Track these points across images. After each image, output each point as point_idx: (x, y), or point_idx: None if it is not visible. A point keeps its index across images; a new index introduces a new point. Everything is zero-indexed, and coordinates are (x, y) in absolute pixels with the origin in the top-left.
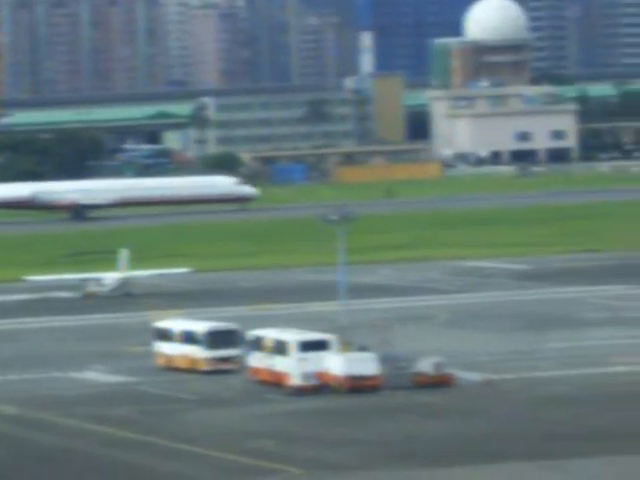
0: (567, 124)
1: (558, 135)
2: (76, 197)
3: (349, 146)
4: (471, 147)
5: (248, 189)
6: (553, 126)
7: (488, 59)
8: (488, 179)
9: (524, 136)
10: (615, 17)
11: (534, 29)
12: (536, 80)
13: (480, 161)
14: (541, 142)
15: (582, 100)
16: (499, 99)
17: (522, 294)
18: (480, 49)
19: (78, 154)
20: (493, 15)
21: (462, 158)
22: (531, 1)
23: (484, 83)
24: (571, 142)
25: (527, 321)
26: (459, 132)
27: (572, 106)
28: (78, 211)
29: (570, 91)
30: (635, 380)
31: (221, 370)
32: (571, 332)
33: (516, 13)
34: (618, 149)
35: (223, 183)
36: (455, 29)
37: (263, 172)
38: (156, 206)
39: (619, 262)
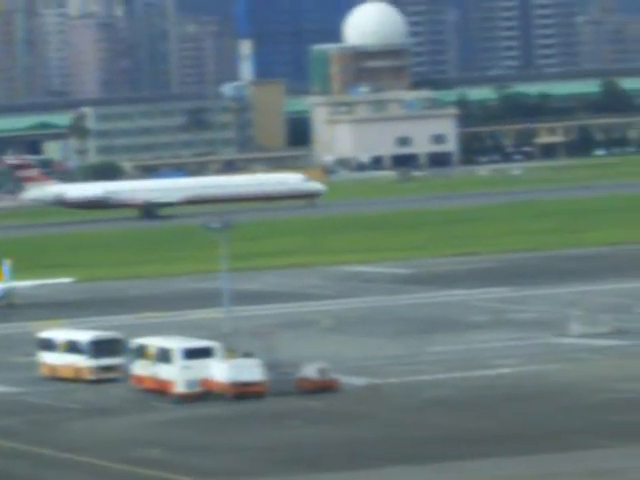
0: (447, 128)
1: (439, 139)
2: (149, 196)
3: (230, 153)
4: (352, 152)
5: (316, 185)
6: (433, 130)
7: (368, 64)
8: (370, 184)
9: (405, 141)
10: (493, 21)
11: (413, 34)
12: (416, 85)
13: (361, 166)
14: (422, 146)
15: (462, 104)
16: (379, 104)
17: (405, 298)
18: (359, 55)
19: None
20: (372, 20)
21: (343, 164)
22: (409, 6)
23: (364, 88)
24: (452, 146)
25: (410, 325)
26: (340, 138)
27: (452, 110)
28: (150, 209)
29: (450, 95)
30: (518, 382)
31: (105, 379)
32: (455, 335)
33: (395, 18)
34: (499, 152)
35: (292, 180)
36: (335, 35)
37: None
38: (226, 203)
39: (499, 265)
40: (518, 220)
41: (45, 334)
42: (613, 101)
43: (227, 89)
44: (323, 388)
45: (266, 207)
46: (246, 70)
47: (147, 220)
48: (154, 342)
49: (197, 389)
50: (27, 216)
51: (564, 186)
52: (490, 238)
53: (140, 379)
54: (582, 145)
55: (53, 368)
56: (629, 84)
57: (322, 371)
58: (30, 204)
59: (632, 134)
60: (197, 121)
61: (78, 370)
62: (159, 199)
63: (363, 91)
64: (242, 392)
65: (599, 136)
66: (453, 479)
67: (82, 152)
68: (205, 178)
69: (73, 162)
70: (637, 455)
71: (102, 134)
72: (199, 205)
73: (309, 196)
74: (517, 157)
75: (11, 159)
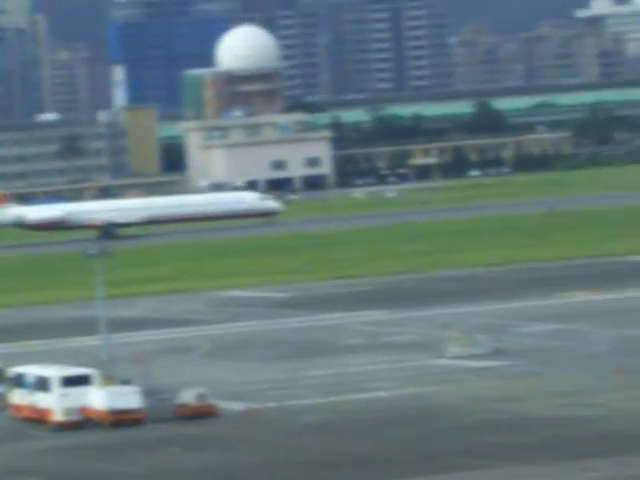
0: (322, 151)
1: (313, 162)
2: (108, 216)
3: (104, 180)
4: (227, 177)
5: (273, 203)
6: (308, 153)
7: (241, 88)
8: None
9: (279, 164)
10: (365, 43)
11: (286, 57)
12: (289, 108)
13: (236, 191)
14: (296, 170)
15: (336, 127)
16: (253, 128)
17: (283, 322)
18: (232, 79)
19: None
20: (244, 44)
21: (218, 188)
22: (282, 29)
23: (237, 113)
24: (326, 169)
25: (289, 349)
26: (214, 162)
27: (326, 133)
28: (108, 230)
29: (323, 118)
30: (396, 405)
31: None
32: (332, 359)
33: (267, 42)
34: (373, 174)
35: (249, 198)
36: (208, 60)
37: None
38: (184, 223)
39: (376, 287)
40: (394, 242)
41: None
42: (486, 122)
43: (101, 115)
44: (201, 414)
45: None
46: (119, 96)
47: (105, 241)
48: (31, 370)
49: (75, 417)
50: None
51: (439, 207)
52: (366, 261)
53: (18, 408)
54: (456, 166)
55: None
56: (502, 104)
57: (200, 397)
58: None
59: (506, 154)
60: (71, 148)
61: None
62: (118, 219)
63: (236, 115)
64: (120, 419)
65: (473, 157)
66: None
67: None
68: (164, 198)
69: None
70: (513, 475)
71: None
72: (158, 225)
73: (266, 214)
74: (392, 179)
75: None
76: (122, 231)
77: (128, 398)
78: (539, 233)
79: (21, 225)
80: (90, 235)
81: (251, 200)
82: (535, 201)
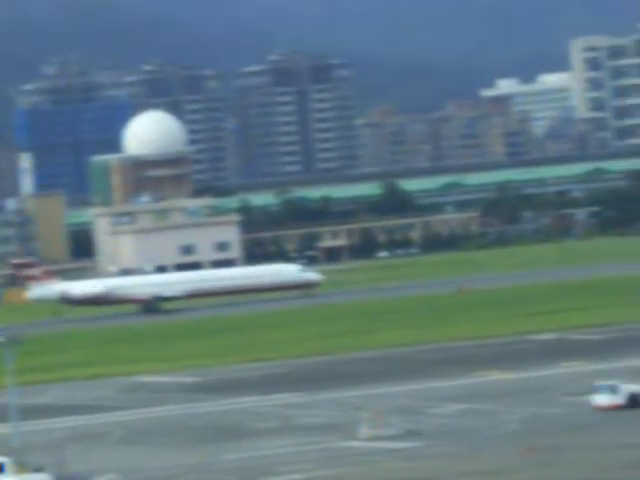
0: (231, 235)
1: (222, 246)
2: (153, 290)
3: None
4: (136, 263)
5: (313, 275)
6: (217, 238)
7: (149, 173)
8: None
9: (188, 249)
10: (271, 126)
11: (193, 142)
12: (198, 192)
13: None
14: (206, 254)
15: (244, 210)
16: (161, 213)
17: (195, 407)
18: (140, 164)
19: None
20: (151, 129)
21: (127, 274)
22: (188, 114)
23: (146, 198)
24: (236, 253)
25: (202, 434)
26: (123, 248)
27: (234, 217)
28: (152, 304)
29: (232, 202)
30: None
31: None
32: (245, 443)
33: (174, 126)
34: (282, 257)
35: (288, 270)
36: (115, 145)
37: None
38: (227, 295)
39: (289, 370)
40: (308, 324)
41: None
42: (394, 203)
43: (8, 202)
44: None
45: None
46: (27, 183)
47: (147, 315)
48: None
49: None
50: None
51: (351, 289)
52: (280, 343)
53: None
54: (365, 247)
55: None
56: (409, 185)
57: None
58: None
59: (414, 235)
60: None
61: None
62: (161, 293)
63: (145, 200)
64: None
65: (381, 238)
66: None
67: None
68: (206, 271)
69: None
70: None
71: None
72: (199, 298)
73: (306, 286)
74: (301, 261)
75: (16, 259)
76: (164, 305)
77: None
78: (449, 312)
79: (66, 300)
80: (131, 310)
81: (292, 272)
82: (444, 281)
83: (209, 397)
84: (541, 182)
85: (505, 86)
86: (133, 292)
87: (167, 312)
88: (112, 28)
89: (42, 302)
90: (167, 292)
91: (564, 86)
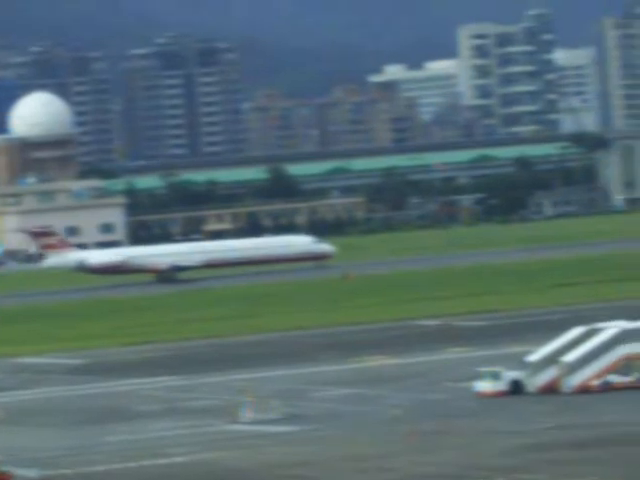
0: (116, 217)
1: (107, 229)
2: (170, 260)
3: None
4: (21, 244)
5: (327, 247)
6: (102, 219)
7: (35, 155)
8: (40, 275)
9: (73, 231)
10: (158, 109)
11: (79, 124)
12: (84, 174)
13: (29, 258)
14: (91, 236)
15: (130, 193)
16: (47, 195)
17: (78, 389)
18: (26, 145)
19: None
20: (38, 111)
21: (13, 255)
22: (75, 96)
23: (31, 179)
24: (120, 235)
25: (84, 416)
26: (8, 229)
27: (120, 199)
28: (169, 273)
29: (117, 184)
30: (192, 470)
31: None
32: (128, 425)
33: (60, 108)
34: (167, 240)
35: (302, 242)
36: (2, 127)
37: None
38: (240, 266)
39: (172, 353)
40: (193, 308)
41: None
42: (280, 187)
43: None
44: None
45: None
46: None
47: (164, 284)
48: None
49: None
50: None
51: (236, 273)
52: (165, 326)
53: None
54: (250, 231)
55: None
56: (295, 170)
57: None
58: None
59: (299, 219)
60: None
61: None
62: (179, 263)
63: (30, 182)
64: None
65: (267, 222)
66: None
67: None
68: (221, 242)
69: None
70: None
71: None
72: (215, 268)
73: (319, 258)
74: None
75: (34, 227)
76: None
77: None
78: (334, 297)
79: (83, 269)
80: (148, 279)
81: (305, 243)
82: (329, 266)
83: (93, 379)
84: (427, 168)
85: (392, 72)
86: (151, 261)
87: (183, 282)
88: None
89: (59, 270)
90: (184, 262)
91: (451, 73)
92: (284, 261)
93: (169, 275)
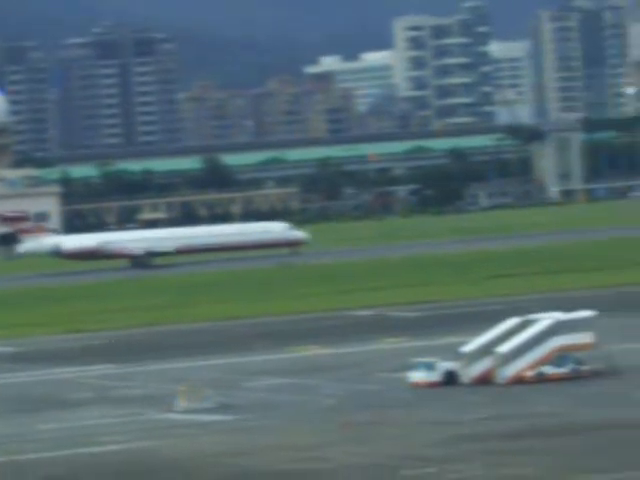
0: (51, 206)
1: (42, 217)
2: (145, 245)
3: None
4: None
5: (300, 233)
6: (37, 208)
7: None
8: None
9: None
10: (94, 98)
11: (14, 112)
12: (19, 163)
13: None
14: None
15: (65, 182)
16: None
17: (10, 377)
18: None
19: None
20: None
21: None
22: (10, 85)
23: None
24: (56, 223)
25: (16, 404)
26: None
27: (55, 188)
28: (143, 259)
29: (53, 173)
30: (127, 458)
31: None
32: (61, 413)
33: None
34: (102, 229)
35: (277, 228)
36: None
37: None
38: (215, 252)
39: (107, 341)
40: (131, 296)
41: None
42: (215, 177)
43: None
44: None
45: None
46: None
47: (137, 270)
48: None
49: None
50: None
51: (172, 262)
52: (99, 314)
53: None
54: (185, 221)
55: None
56: (231, 160)
57: None
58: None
59: (234, 209)
60: None
61: None
62: (154, 249)
63: None
64: None
65: (202, 212)
66: None
67: None
68: (197, 228)
69: None
70: None
71: None
72: (189, 255)
73: (294, 244)
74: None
75: (7, 212)
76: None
77: None
78: (270, 287)
79: (58, 254)
80: (122, 264)
81: (279, 230)
82: (265, 255)
83: (26, 367)
84: (362, 159)
85: (327, 63)
86: (125, 247)
87: (158, 267)
88: None
89: (34, 256)
90: (159, 248)
91: (387, 64)
92: (259, 247)
93: (144, 261)
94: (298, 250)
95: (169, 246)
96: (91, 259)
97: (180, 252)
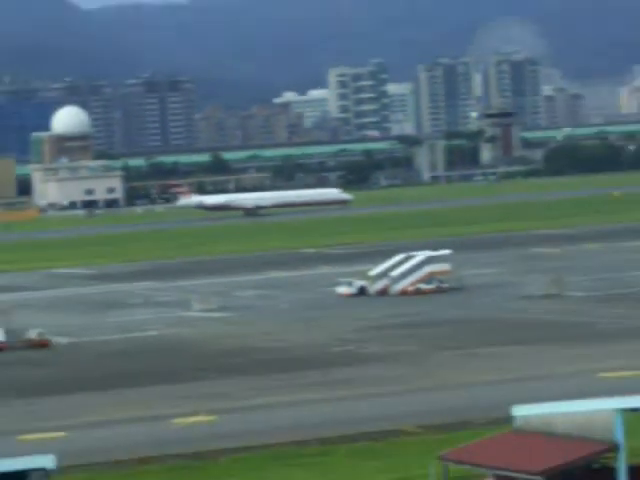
0: (116, 184)
1: (111, 191)
2: (254, 202)
3: None
4: (57, 199)
5: (348, 196)
6: (108, 185)
7: (66, 144)
8: (70, 219)
9: (90, 192)
10: (143, 117)
11: (94, 125)
12: (96, 156)
13: (63, 208)
14: (101, 195)
15: (125, 169)
16: (74, 169)
17: (90, 289)
18: (60, 139)
19: None
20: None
21: (52, 206)
22: (91, 108)
23: (64, 159)
24: (119, 194)
25: (93, 306)
26: (50, 190)
27: (119, 172)
28: (254, 211)
29: (117, 163)
30: (163, 340)
31: None
32: (122, 312)
33: (81, 115)
34: (149, 198)
35: (333, 192)
36: (46, 127)
37: None
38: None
39: (149, 267)
40: (161, 240)
41: None
42: (218, 166)
43: None
44: (41, 345)
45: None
46: None
47: (250, 218)
48: None
49: None
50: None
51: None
52: (143, 251)
53: None
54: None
55: None
56: (227, 156)
57: (40, 334)
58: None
59: (229, 187)
60: None
61: None
62: (262, 204)
63: (63, 161)
64: None
65: (209, 188)
66: (117, 400)
67: None
68: (285, 192)
69: None
70: (234, 384)
71: None
72: (282, 208)
73: (343, 202)
74: (160, 202)
75: (172, 182)
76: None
77: None
78: (250, 235)
79: (201, 207)
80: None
81: (334, 193)
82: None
83: (99, 282)
84: (309, 156)
85: (288, 96)
86: (241, 203)
87: (262, 216)
88: None
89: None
90: (263, 204)
91: (324, 97)
92: (322, 204)
93: (253, 212)
94: (346, 206)
95: (269, 203)
96: (223, 210)
97: (276, 207)
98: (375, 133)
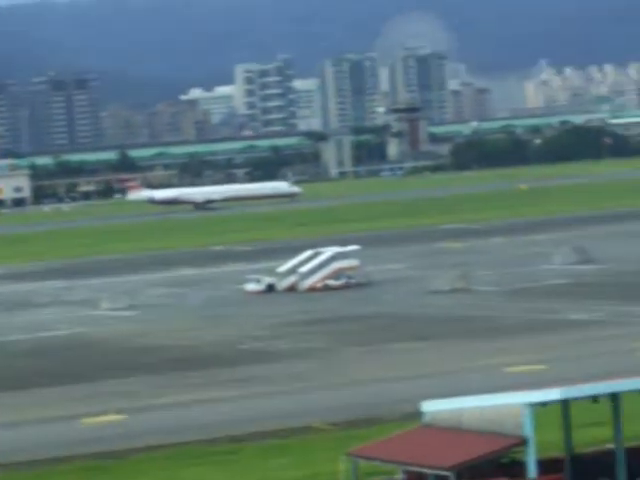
0: (23, 183)
1: (18, 190)
2: (204, 196)
3: None
4: None
5: (297, 189)
6: (15, 184)
7: None
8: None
9: None
10: (49, 116)
11: (0, 125)
12: (2, 155)
13: None
14: (8, 194)
15: (31, 167)
16: None
17: None
18: None
19: None
20: None
21: None
22: None
23: None
24: (27, 194)
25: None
26: None
27: (25, 171)
28: (203, 205)
29: (24, 162)
30: (71, 338)
31: None
32: (31, 311)
33: None
34: (56, 197)
35: (283, 186)
36: None
37: None
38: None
39: (60, 266)
40: (69, 238)
41: None
42: (125, 164)
43: None
44: None
45: None
46: None
47: (199, 211)
48: None
49: None
50: None
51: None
52: (52, 250)
53: None
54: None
55: None
56: (133, 153)
57: None
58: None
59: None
60: None
61: None
62: (212, 198)
63: None
64: None
65: (116, 185)
66: (23, 401)
67: None
68: (236, 186)
69: None
70: (148, 382)
71: None
72: (231, 202)
73: (291, 195)
74: (68, 201)
75: (123, 177)
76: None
77: None
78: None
79: (151, 202)
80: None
81: (284, 187)
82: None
83: (6, 282)
84: (217, 153)
85: (195, 93)
86: (191, 197)
87: (211, 209)
88: None
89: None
90: (213, 198)
91: (231, 94)
92: (272, 197)
93: (202, 206)
94: (295, 199)
95: (219, 196)
96: (173, 204)
97: (225, 200)
98: (250, 132)
